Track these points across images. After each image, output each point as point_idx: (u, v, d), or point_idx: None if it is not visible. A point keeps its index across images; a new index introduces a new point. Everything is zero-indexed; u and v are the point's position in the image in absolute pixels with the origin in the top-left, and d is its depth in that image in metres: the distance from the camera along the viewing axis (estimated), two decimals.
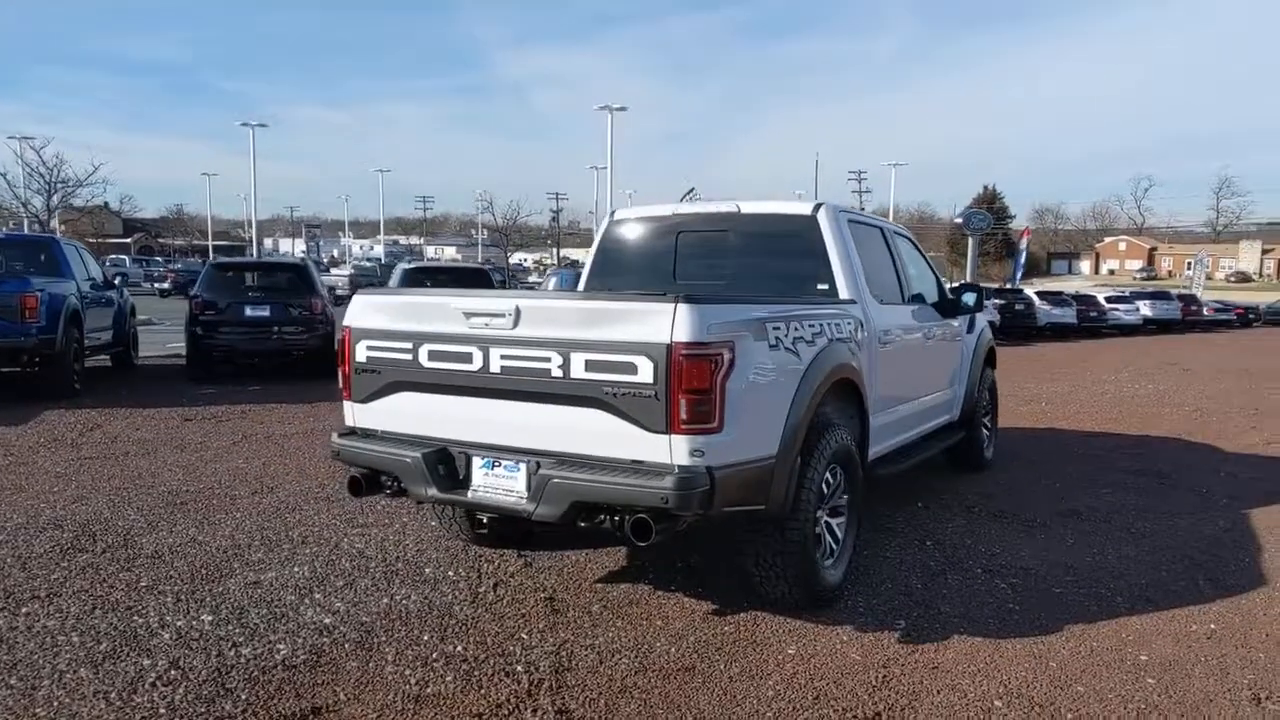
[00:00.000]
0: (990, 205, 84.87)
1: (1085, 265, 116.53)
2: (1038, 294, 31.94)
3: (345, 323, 4.38)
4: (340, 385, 4.45)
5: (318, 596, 4.47)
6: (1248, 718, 3.38)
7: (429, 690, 3.50)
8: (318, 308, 13.43)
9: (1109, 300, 34.67)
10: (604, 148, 41.39)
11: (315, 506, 6.11)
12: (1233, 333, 37.61)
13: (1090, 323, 32.08)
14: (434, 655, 3.82)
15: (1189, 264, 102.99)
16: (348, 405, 4.43)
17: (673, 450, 3.56)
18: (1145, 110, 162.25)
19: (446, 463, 4.09)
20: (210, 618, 4.17)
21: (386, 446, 4.23)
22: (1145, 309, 35.58)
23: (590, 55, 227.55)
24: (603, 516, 3.73)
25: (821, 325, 4.37)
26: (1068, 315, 31.00)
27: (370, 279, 39.29)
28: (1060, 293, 35.03)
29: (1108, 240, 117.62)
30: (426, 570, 4.88)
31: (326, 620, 4.17)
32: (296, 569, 4.84)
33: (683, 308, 3.53)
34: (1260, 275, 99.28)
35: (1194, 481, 7.36)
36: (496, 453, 4.00)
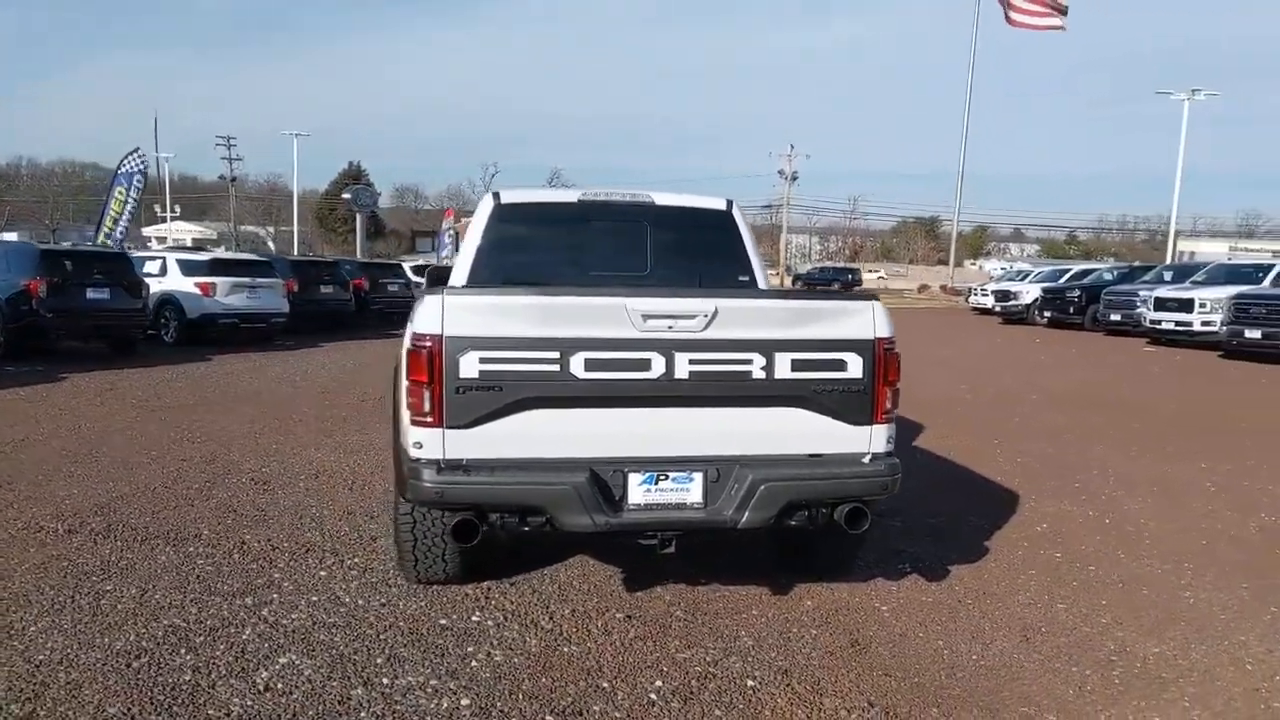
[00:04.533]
0: (356, 181, 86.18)
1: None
2: (414, 268, 27.85)
3: (427, 329, 3.48)
4: (422, 410, 3.52)
5: (387, 681, 3.52)
6: (1121, 568, 4.92)
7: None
8: None
9: None
10: None
11: (114, 579, 4.47)
12: None
13: None
14: (656, 700, 3.43)
15: None
16: (431, 433, 3.54)
17: (872, 440, 3.78)
18: (491, 99, 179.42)
19: (601, 485, 3.61)
20: None
21: (518, 476, 3.54)
22: None
23: None
24: (805, 513, 3.75)
25: None
26: None
27: None
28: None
29: (443, 220, 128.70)
30: (441, 621, 4.10)
31: (463, 702, 3.37)
32: (275, 668, 3.68)
33: (877, 305, 3.75)
34: None
35: None
36: (660, 466, 3.68)
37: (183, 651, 3.75)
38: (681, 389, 3.60)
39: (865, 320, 3.72)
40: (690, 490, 3.70)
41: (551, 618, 4.17)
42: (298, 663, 3.66)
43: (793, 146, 59.37)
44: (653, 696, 3.45)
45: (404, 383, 3.63)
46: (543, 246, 5.42)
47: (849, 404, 3.72)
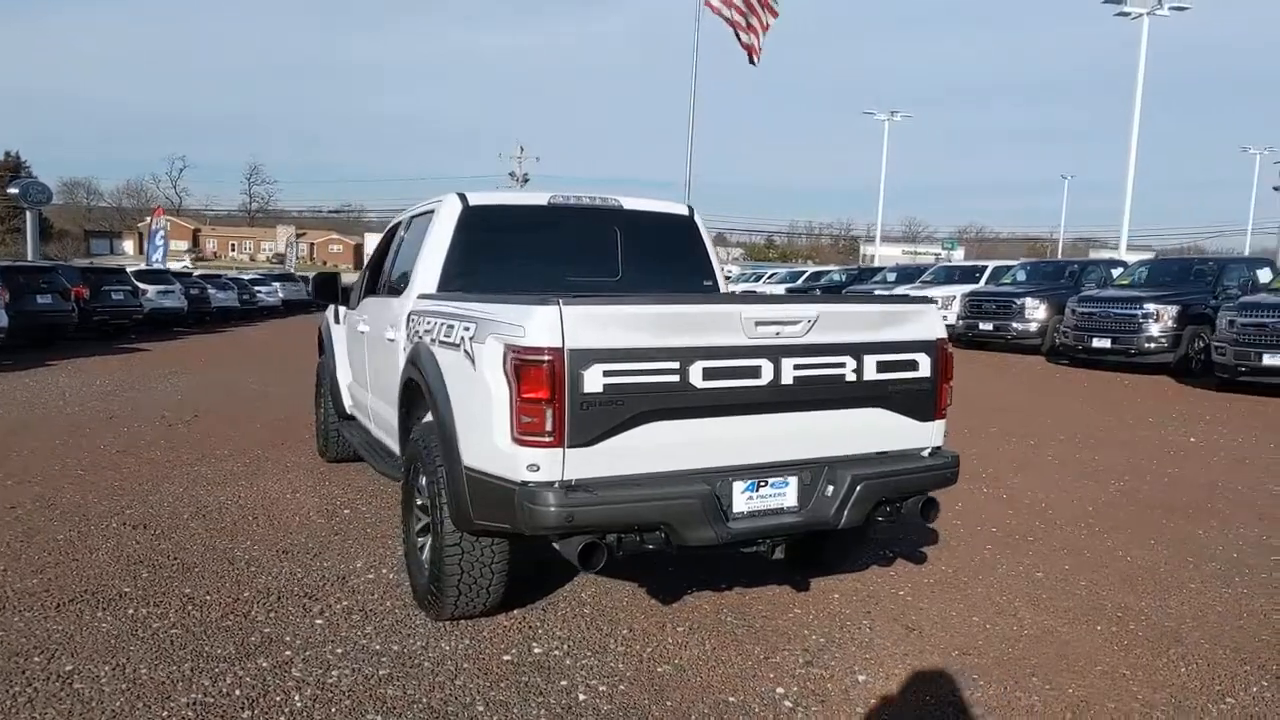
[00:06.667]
0: (16, 174, 75.25)
1: (129, 245, 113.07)
2: (137, 274, 24.68)
3: (544, 342, 3.22)
4: (542, 429, 3.24)
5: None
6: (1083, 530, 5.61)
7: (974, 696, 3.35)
8: None
9: (253, 283, 35.39)
10: None
11: (66, 657, 3.71)
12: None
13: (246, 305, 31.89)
14: (793, 706, 3.42)
15: (233, 245, 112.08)
16: (550, 453, 3.28)
17: (933, 434, 4.02)
18: (177, 90, 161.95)
19: (716, 496, 3.54)
20: None
21: (643, 493, 3.38)
22: (281, 291, 37.64)
23: None
24: (888, 508, 3.89)
25: None
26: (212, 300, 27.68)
27: None
28: (166, 272, 28.58)
29: (150, 220, 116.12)
30: (505, 658, 3.82)
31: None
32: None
33: (934, 308, 4.00)
34: (297, 257, 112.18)
35: None
36: (759, 472, 3.67)
37: None
38: (786, 394, 3.61)
39: (930, 322, 3.95)
40: (786, 494, 3.72)
41: (616, 640, 4.01)
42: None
43: (523, 148, 59.04)
44: (788, 704, 3.44)
45: (505, 398, 3.33)
46: (514, 250, 5.14)
47: (917, 401, 3.93)
